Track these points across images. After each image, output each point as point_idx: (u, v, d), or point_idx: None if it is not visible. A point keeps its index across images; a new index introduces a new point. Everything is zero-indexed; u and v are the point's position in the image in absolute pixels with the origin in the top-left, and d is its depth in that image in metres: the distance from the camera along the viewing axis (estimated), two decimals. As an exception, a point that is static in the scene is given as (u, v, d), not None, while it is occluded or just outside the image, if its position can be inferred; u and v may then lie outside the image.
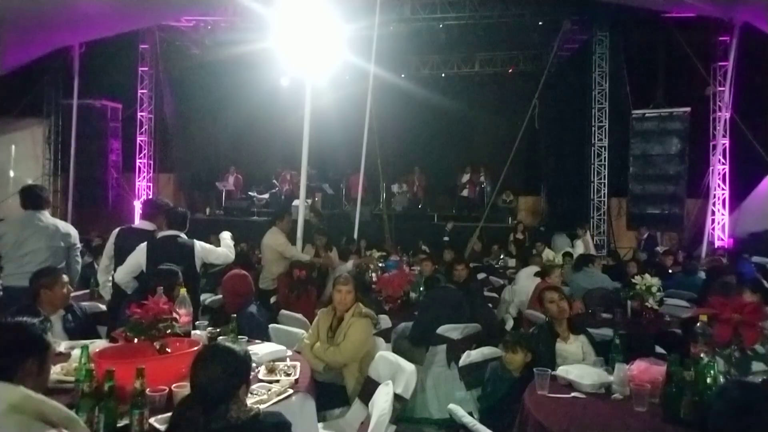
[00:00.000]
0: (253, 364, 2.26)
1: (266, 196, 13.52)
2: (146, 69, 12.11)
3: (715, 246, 10.26)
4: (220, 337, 2.61)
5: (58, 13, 8.84)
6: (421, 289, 4.95)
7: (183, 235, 3.71)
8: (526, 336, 2.96)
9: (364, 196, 12.54)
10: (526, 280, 5.62)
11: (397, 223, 11.67)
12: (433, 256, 8.13)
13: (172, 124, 12.52)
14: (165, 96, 12.41)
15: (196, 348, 2.18)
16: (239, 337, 2.65)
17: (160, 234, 3.71)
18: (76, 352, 2.24)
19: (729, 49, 9.45)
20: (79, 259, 4.04)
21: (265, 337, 3.12)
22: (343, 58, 11.35)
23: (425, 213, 12.98)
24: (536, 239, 9.18)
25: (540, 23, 11.10)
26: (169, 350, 2.23)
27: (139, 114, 12.18)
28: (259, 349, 2.57)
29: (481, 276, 7.01)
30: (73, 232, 3.96)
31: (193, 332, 2.78)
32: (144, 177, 12.39)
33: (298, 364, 2.47)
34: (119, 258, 3.71)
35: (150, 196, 12.53)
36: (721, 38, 9.89)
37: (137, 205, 12.29)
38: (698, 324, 2.23)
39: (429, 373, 3.91)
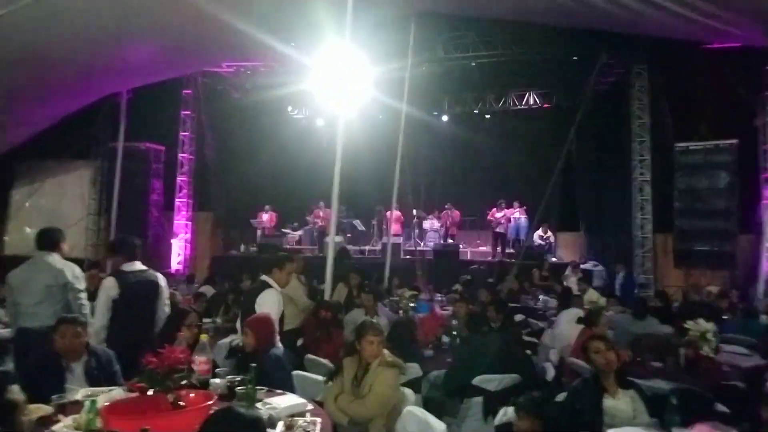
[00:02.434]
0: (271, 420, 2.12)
1: (300, 232, 13.62)
2: (188, 113, 12.61)
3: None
4: (237, 388, 2.48)
5: (107, 62, 9.35)
6: (453, 333, 4.71)
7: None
8: (537, 400, 2.68)
9: (400, 232, 12.48)
10: (567, 324, 5.30)
11: (430, 261, 11.46)
12: (467, 296, 7.88)
13: (211, 165, 12.90)
14: (205, 138, 12.86)
15: (210, 402, 2.06)
16: (258, 388, 2.52)
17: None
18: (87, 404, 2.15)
19: (777, 78, 9.05)
20: (83, 300, 3.83)
21: (288, 385, 2.97)
22: (376, 97, 11.58)
23: (459, 250, 12.72)
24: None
25: (575, 59, 11.01)
26: (182, 404, 2.12)
27: (180, 155, 12.61)
28: (279, 402, 2.42)
29: (518, 318, 6.67)
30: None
31: (212, 381, 2.68)
32: (183, 216, 12.70)
33: (318, 420, 2.30)
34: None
35: (188, 234, 12.82)
36: (767, 66, 9.49)
37: (174, 243, 12.57)
38: (768, 384, 1.96)
39: (464, 427, 3.65)
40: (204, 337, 2.67)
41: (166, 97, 12.11)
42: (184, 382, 2.21)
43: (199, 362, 2.58)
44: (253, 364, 2.48)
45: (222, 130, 13.25)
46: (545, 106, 13.31)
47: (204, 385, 2.58)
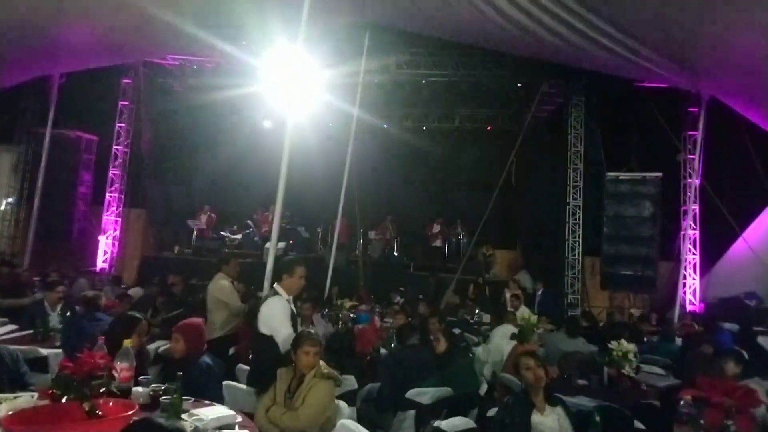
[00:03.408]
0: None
1: (239, 236, 13.21)
2: (126, 103, 11.96)
3: (686, 310, 10.30)
4: (162, 398, 2.33)
5: (40, 42, 8.74)
6: (392, 345, 4.71)
7: None
8: None
9: (345, 242, 12.40)
10: (501, 340, 5.43)
11: (372, 271, 11.47)
12: (407, 308, 7.93)
13: (147, 160, 12.28)
14: (143, 131, 12.24)
15: (130, 413, 1.92)
16: (184, 397, 2.38)
17: None
18: (-12, 414, 1.95)
19: (698, 120, 9.84)
20: None
21: (217, 395, 2.84)
22: (327, 104, 11.52)
23: (401, 261, 12.81)
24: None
25: (519, 85, 11.49)
26: (99, 413, 1.96)
27: (114, 147, 11.92)
28: (206, 413, 2.30)
29: (455, 332, 6.78)
30: None
31: (134, 389, 2.51)
32: (113, 212, 11.99)
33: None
34: None
35: (117, 232, 12.11)
36: (690, 108, 10.32)
37: (102, 240, 11.84)
38: (682, 403, 2.08)
39: (395, 440, 3.63)
40: (127, 343, 2.50)
41: (103, 85, 11.43)
42: (102, 390, 2.05)
43: (121, 369, 2.42)
44: (180, 373, 2.34)
45: (161, 124, 12.67)
46: (489, 128, 13.77)
47: (125, 393, 2.42)
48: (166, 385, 2.53)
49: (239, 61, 11.12)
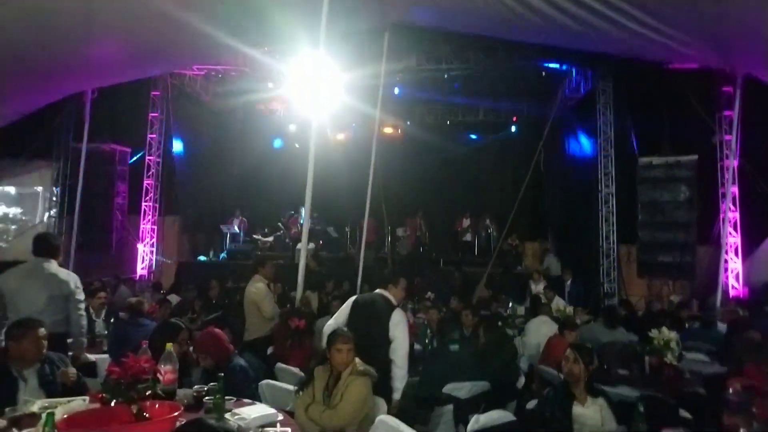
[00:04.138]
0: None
1: (270, 239, 13.43)
2: (156, 115, 12.31)
3: (730, 295, 9.94)
4: (206, 398, 2.40)
5: (72, 60, 9.05)
6: (426, 341, 4.71)
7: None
8: None
9: (372, 240, 12.46)
10: (537, 332, 5.38)
11: (402, 268, 11.47)
12: (439, 303, 7.91)
13: (179, 169, 12.61)
14: (173, 141, 12.56)
15: (176, 414, 1.98)
16: (227, 398, 2.45)
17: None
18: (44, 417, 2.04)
19: (733, 99, 9.47)
20: (82, 312, 3.82)
21: (254, 395, 2.90)
22: (350, 106, 11.60)
23: (430, 257, 12.78)
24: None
25: (543, 74, 11.29)
26: (147, 415, 2.03)
27: (147, 158, 12.29)
28: (248, 412, 2.36)
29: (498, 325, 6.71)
30: (73, 280, 3.77)
31: (179, 391, 2.59)
32: (149, 220, 12.36)
33: (288, 430, 2.25)
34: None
35: (154, 240, 12.47)
36: (724, 89, 9.94)
37: (140, 248, 12.22)
38: (731, 391, 2.02)
39: (434, 435, 3.64)
40: (169, 347, 2.58)
41: (133, 98, 11.78)
42: (148, 393, 2.12)
43: (165, 372, 2.50)
44: (221, 374, 2.40)
45: (191, 133, 12.98)
46: (515, 118, 13.59)
47: (170, 395, 2.50)
48: (209, 385, 2.60)
49: (263, 67, 11.29)
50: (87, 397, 2.43)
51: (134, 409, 2.02)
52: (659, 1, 7.21)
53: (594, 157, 11.17)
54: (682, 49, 8.15)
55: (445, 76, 11.63)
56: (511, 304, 8.63)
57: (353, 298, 3.83)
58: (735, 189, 10.12)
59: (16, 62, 7.92)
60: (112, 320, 5.45)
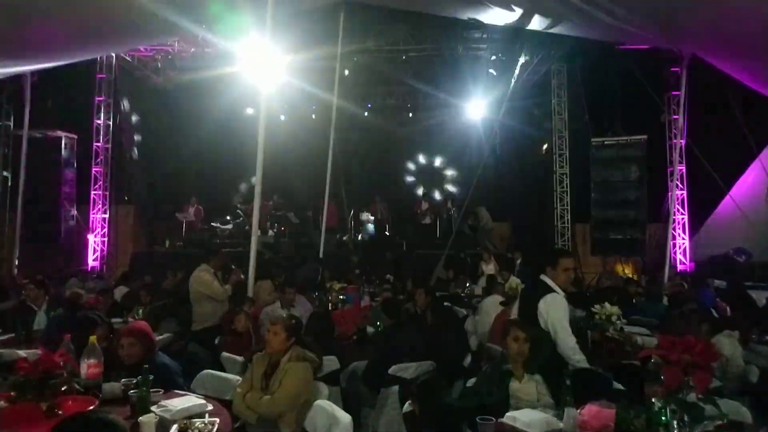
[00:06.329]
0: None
1: (230, 226, 13.13)
2: (103, 98, 11.76)
3: (677, 270, 10.37)
4: (131, 391, 2.32)
5: (9, 42, 8.52)
6: (378, 323, 4.70)
7: None
8: (429, 384, 2.73)
9: (334, 225, 12.38)
10: (489, 311, 5.44)
11: (364, 252, 11.46)
12: (397, 285, 7.94)
13: (130, 155, 12.13)
14: (123, 126, 12.06)
15: (90, 408, 1.90)
16: (153, 390, 2.37)
17: None
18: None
19: (680, 79, 9.76)
20: None
21: (183, 388, 2.83)
22: (307, 89, 11.39)
23: (393, 241, 12.80)
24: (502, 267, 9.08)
25: (500, 55, 11.33)
26: (59, 411, 1.94)
27: (95, 144, 11.76)
28: (175, 404, 2.29)
29: (445, 305, 6.79)
30: None
31: (105, 385, 2.49)
32: (99, 209, 11.88)
33: (217, 420, 2.20)
34: None
35: (105, 229, 12.03)
36: (673, 69, 10.22)
37: (90, 239, 11.77)
38: (652, 362, 2.08)
39: (381, 417, 3.65)
40: (93, 339, 2.47)
41: (77, 82, 11.22)
42: (64, 388, 2.02)
43: (88, 365, 2.39)
44: (145, 366, 2.32)
45: (141, 117, 12.49)
46: (471, 101, 13.63)
47: (95, 389, 2.40)
48: (138, 378, 2.51)
49: (215, 48, 10.93)
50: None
51: (44, 406, 1.92)
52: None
53: (549, 138, 11.35)
54: (632, 29, 8.31)
55: (403, 57, 11.53)
56: (468, 285, 8.75)
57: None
58: (682, 168, 10.51)
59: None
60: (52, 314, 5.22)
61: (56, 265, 10.37)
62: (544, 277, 3.31)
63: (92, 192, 11.79)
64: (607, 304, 4.42)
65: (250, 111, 14.01)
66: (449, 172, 13.86)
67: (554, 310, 3.12)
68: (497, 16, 9.32)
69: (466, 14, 9.79)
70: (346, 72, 11.25)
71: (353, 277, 8.83)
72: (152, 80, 12.40)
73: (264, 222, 12.47)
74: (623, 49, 9.97)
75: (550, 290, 3.22)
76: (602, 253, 11.08)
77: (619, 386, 3.11)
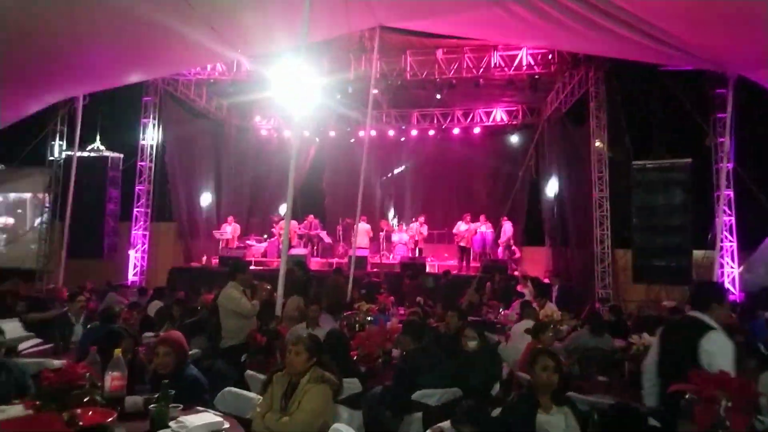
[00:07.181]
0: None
1: (264, 245, 13.38)
2: (148, 120, 12.30)
3: (727, 301, 9.80)
4: (151, 405, 2.33)
5: (63, 66, 9.06)
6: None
7: None
8: (472, 410, 2.58)
9: (366, 245, 12.40)
10: (520, 337, 5.26)
11: (395, 274, 11.39)
12: (426, 308, 7.81)
13: (172, 174, 12.59)
14: (166, 146, 12.56)
15: (108, 420, 1.91)
16: (172, 405, 2.37)
17: None
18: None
19: (726, 101, 9.37)
20: None
21: (208, 405, 2.83)
22: (344, 112, 11.61)
23: (425, 263, 12.68)
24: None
25: (536, 77, 11.23)
26: (80, 423, 1.96)
27: (139, 164, 12.27)
28: (191, 420, 2.29)
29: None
30: None
31: (128, 398, 2.52)
32: (141, 226, 12.32)
33: (232, 439, 2.18)
34: None
35: (146, 245, 12.43)
36: (718, 90, 9.84)
37: (131, 254, 12.18)
38: (687, 398, 1.94)
39: (403, 444, 3.55)
40: (117, 353, 2.51)
41: (125, 104, 11.83)
42: (86, 399, 2.06)
43: (112, 378, 2.43)
44: (165, 381, 2.33)
45: (183, 138, 12.98)
46: (512, 123, 13.54)
47: (117, 402, 2.43)
48: (159, 393, 2.53)
49: (255, 73, 11.30)
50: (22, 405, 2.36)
51: (65, 416, 1.95)
52: (653, 5, 7.14)
53: (588, 162, 11.08)
54: (675, 52, 8.07)
55: (437, 80, 11.58)
56: (501, 311, 8.52)
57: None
58: (730, 192, 10.02)
59: (5, 69, 7.93)
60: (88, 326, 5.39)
61: (99, 278, 10.74)
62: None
63: (135, 209, 12.24)
64: (645, 335, 4.21)
65: (287, 134, 14.38)
66: (486, 195, 13.70)
67: (723, 354, 2.66)
68: (534, 37, 9.25)
69: (504, 37, 9.78)
70: (376, 92, 11.42)
71: (383, 297, 8.76)
72: (194, 103, 12.92)
73: (295, 240, 12.65)
74: (665, 70, 9.69)
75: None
76: (646, 281, 10.60)
77: (655, 422, 2.92)
